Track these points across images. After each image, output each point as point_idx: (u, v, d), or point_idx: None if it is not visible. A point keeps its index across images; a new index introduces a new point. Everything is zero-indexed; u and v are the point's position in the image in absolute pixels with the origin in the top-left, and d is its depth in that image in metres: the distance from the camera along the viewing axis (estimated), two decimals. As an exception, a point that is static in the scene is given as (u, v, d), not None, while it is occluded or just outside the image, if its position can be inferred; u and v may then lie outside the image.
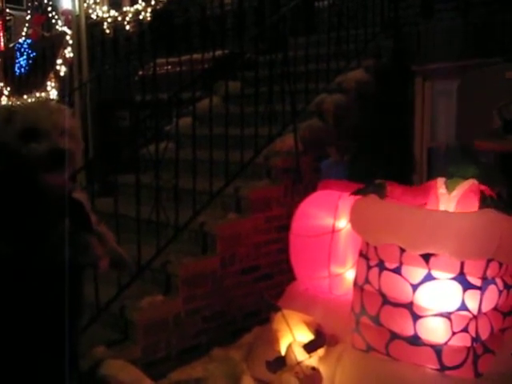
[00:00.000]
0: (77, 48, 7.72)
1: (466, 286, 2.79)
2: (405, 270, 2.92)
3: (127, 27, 9.37)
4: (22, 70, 10.53)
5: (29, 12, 12.22)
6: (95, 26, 9.46)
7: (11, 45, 11.92)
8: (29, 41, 10.78)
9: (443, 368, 2.85)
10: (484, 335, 2.89)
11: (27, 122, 1.88)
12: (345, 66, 5.18)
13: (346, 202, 3.56)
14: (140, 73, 5.59)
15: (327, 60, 5.00)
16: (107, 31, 9.56)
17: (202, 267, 3.93)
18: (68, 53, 9.48)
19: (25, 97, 9.77)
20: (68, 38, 9.50)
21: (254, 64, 4.79)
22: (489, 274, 2.82)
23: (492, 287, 2.89)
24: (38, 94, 9.58)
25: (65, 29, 10.11)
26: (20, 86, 10.32)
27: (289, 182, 4.48)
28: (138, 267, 3.69)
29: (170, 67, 5.40)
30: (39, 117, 1.89)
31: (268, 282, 4.37)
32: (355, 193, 3.28)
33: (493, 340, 2.95)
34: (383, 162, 5.09)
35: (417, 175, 5.43)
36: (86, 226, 2.02)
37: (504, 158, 4.21)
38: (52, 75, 9.43)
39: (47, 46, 9.81)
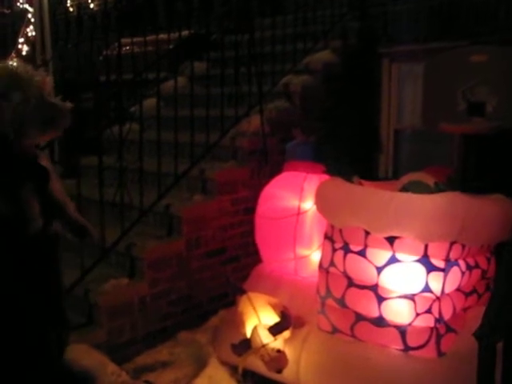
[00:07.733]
0: (39, 26, 7.50)
1: (430, 268, 2.82)
2: (369, 252, 2.94)
3: (91, 5, 9.15)
4: (-18, 48, 10.23)
5: (-12, -12, 11.84)
6: (58, 3, 9.21)
7: (-30, 23, 11.56)
8: (-12, 18, 10.46)
9: (407, 348, 2.89)
10: (447, 315, 2.92)
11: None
12: (312, 47, 5.15)
13: (311, 183, 3.56)
14: (104, 52, 5.46)
15: (294, 41, 4.96)
16: (71, 9, 9.32)
17: (168, 250, 3.89)
18: (30, 31, 9.23)
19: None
20: (30, 15, 9.24)
21: (220, 45, 4.72)
22: (452, 256, 2.85)
23: (455, 269, 2.92)
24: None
25: (26, 6, 9.82)
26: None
27: (255, 163, 4.45)
28: (102, 250, 3.65)
29: (135, 47, 5.28)
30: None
31: (234, 265, 4.35)
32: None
33: (455, 319, 2.99)
34: (349, 143, 5.09)
35: (383, 156, 5.46)
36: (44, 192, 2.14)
37: (468, 140, 4.25)
38: (14, 54, 9.18)
39: (8, 24, 9.54)
